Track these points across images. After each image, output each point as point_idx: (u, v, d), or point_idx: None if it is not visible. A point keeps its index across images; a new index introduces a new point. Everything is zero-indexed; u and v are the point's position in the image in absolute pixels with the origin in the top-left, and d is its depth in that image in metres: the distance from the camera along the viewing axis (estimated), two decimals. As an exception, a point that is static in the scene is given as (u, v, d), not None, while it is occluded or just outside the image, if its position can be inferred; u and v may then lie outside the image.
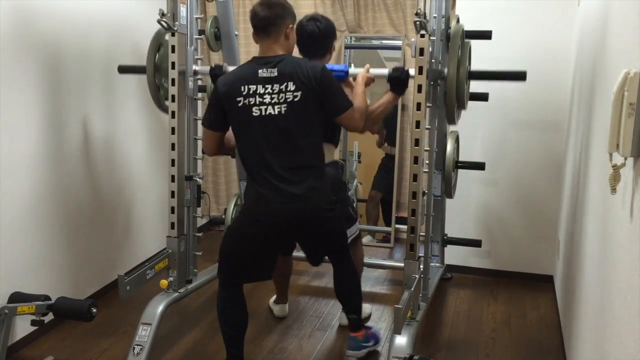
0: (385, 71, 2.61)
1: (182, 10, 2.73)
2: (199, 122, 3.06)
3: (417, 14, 2.31)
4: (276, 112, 2.26)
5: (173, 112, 2.75)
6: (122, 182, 3.49)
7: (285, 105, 2.25)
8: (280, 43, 2.32)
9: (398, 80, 2.55)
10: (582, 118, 2.61)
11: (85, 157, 3.15)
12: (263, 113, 2.26)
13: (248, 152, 2.33)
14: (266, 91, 2.26)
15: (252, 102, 2.26)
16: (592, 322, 1.84)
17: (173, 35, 2.68)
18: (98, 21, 3.18)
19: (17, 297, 2.61)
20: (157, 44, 2.89)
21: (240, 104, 2.27)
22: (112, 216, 3.42)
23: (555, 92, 3.45)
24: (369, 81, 2.57)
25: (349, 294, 2.65)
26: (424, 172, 2.55)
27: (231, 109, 2.30)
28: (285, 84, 2.25)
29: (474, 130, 3.55)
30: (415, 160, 2.47)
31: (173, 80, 2.72)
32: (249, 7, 4.25)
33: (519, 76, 2.69)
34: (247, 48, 4.25)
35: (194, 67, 2.85)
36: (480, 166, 3.17)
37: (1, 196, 2.59)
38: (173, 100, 2.73)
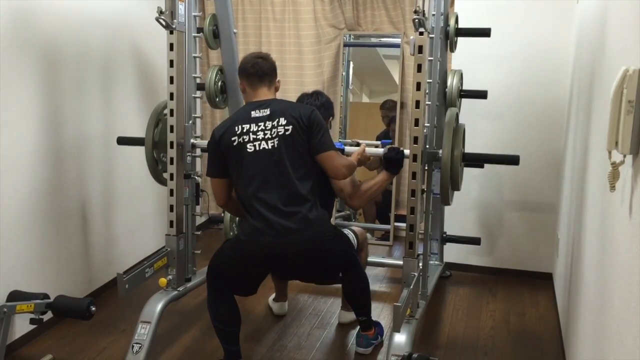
0: (380, 151, 2.67)
1: (181, 8, 2.72)
2: (198, 121, 3.07)
3: (415, 12, 2.31)
4: (269, 147, 2.35)
5: (172, 110, 2.75)
6: (120, 181, 3.49)
7: (277, 139, 2.35)
8: (272, 90, 2.50)
9: (393, 161, 2.61)
10: (581, 116, 2.61)
11: (83, 156, 3.15)
12: (257, 148, 2.36)
13: (243, 188, 2.39)
14: (259, 128, 2.37)
15: (246, 140, 2.37)
16: (591, 320, 1.84)
17: (171, 33, 2.68)
18: (96, 20, 3.17)
19: (15, 296, 2.61)
20: (156, 119, 2.91)
21: (235, 143, 2.38)
22: (110, 214, 3.42)
23: (554, 90, 3.45)
24: (364, 159, 2.65)
25: (359, 298, 2.70)
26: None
27: (227, 150, 2.39)
28: (277, 119, 2.37)
29: (472, 128, 3.54)
30: (414, 158, 2.47)
31: (172, 78, 2.72)
32: (247, 5, 4.28)
33: (512, 160, 2.68)
34: (245, 46, 4.25)
35: (192, 141, 2.91)
36: (479, 164, 3.17)
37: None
38: (172, 99, 2.73)
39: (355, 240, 2.84)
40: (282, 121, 2.36)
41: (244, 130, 2.37)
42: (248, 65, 2.46)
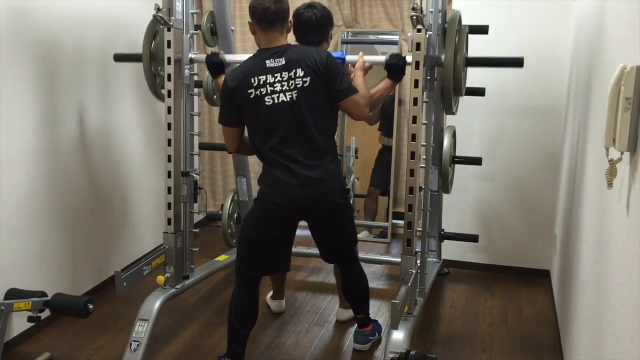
0: (382, 58, 2.60)
1: (178, 5, 2.71)
2: (196, 118, 3.06)
3: (413, 9, 2.30)
4: (288, 99, 2.30)
5: (169, 108, 2.74)
6: (118, 178, 3.48)
7: (295, 91, 2.30)
8: (284, 35, 2.39)
9: (395, 67, 2.54)
10: (578, 113, 2.61)
11: (81, 153, 3.14)
12: (276, 101, 2.30)
13: (262, 141, 2.35)
14: (276, 80, 2.30)
15: (263, 92, 2.31)
16: (589, 317, 1.84)
17: (169, 30, 2.67)
18: (93, 16, 3.17)
19: (13, 294, 2.61)
20: (153, 32, 2.87)
21: (252, 96, 2.31)
22: (108, 212, 3.42)
23: (552, 87, 3.45)
24: (367, 69, 2.58)
25: (358, 296, 2.71)
26: (421, 167, 2.55)
27: (243, 102, 2.33)
28: (294, 70, 2.30)
29: (470, 126, 3.55)
30: (412, 155, 2.47)
31: (169, 75, 2.71)
32: (245, 2, 4.26)
33: (516, 62, 2.67)
34: (243, 43, 4.24)
35: (190, 55, 2.83)
36: (477, 161, 3.17)
37: (-3, 192, 2.59)
38: (169, 96, 2.72)
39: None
40: (300, 72, 2.29)
41: (261, 83, 2.30)
42: (258, 10, 2.32)
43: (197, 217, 3.99)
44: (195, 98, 3.09)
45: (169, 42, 2.69)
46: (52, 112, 2.91)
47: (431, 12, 2.64)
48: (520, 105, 3.53)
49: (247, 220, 2.52)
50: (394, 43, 4.19)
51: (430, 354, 2.23)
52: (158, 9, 2.59)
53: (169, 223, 2.79)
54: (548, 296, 3.35)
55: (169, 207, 2.78)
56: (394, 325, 2.26)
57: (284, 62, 2.31)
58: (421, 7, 2.34)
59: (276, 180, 2.33)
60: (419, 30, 2.39)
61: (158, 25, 2.83)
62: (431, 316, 3.13)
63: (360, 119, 2.53)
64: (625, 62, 1.21)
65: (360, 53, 2.60)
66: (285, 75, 2.30)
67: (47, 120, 2.88)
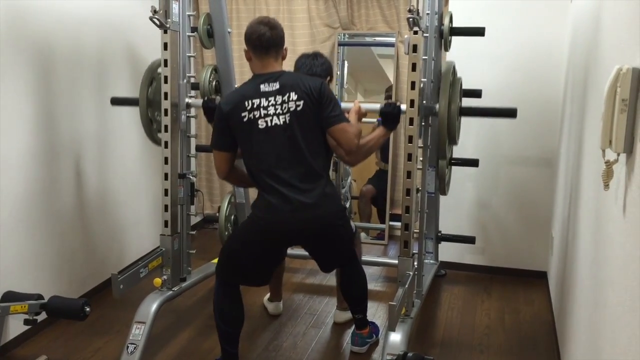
0: (377, 106, 2.63)
1: (175, 7, 2.71)
2: (193, 120, 3.06)
3: (410, 11, 2.31)
4: (281, 122, 2.30)
5: (166, 110, 2.74)
6: (114, 181, 3.48)
7: (289, 114, 2.30)
8: (279, 61, 2.40)
9: (390, 115, 2.55)
10: (575, 114, 2.62)
11: (77, 156, 3.14)
12: (269, 124, 2.30)
13: (256, 164, 2.35)
14: (270, 103, 2.31)
15: (257, 115, 2.31)
16: (586, 318, 1.84)
17: (165, 32, 2.67)
18: (90, 19, 3.16)
19: (9, 297, 2.60)
20: (150, 77, 2.89)
21: (245, 119, 2.31)
22: (105, 214, 3.41)
23: (548, 89, 3.46)
24: (361, 115, 2.60)
25: (357, 295, 2.71)
26: (418, 169, 2.56)
27: (237, 125, 2.34)
28: (288, 94, 2.31)
29: (467, 127, 3.54)
30: (409, 157, 2.47)
31: (166, 77, 2.71)
32: (242, 4, 4.27)
33: (510, 113, 2.68)
34: (239, 45, 4.21)
35: (187, 100, 2.86)
36: (474, 163, 3.18)
37: (-7, 195, 2.58)
38: (166, 99, 2.72)
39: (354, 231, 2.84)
40: (293, 96, 2.30)
41: (254, 106, 2.31)
42: (254, 36, 2.34)
43: (194, 220, 3.99)
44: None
45: (165, 44, 2.68)
46: (49, 115, 2.90)
47: (427, 14, 2.65)
48: (517, 106, 3.52)
49: (235, 236, 2.51)
50: (391, 45, 4.20)
51: (427, 355, 2.24)
52: (155, 12, 2.59)
53: (165, 225, 2.79)
54: (545, 297, 3.35)
55: (166, 210, 2.78)
56: (391, 327, 2.26)
57: (278, 87, 2.32)
58: (418, 9, 2.34)
59: (269, 205, 2.32)
60: (415, 32, 2.39)
61: (155, 71, 2.86)
62: (429, 318, 3.13)
63: (349, 150, 2.40)
64: (622, 64, 1.22)
65: (356, 100, 2.65)
66: (279, 99, 2.31)
67: (44, 122, 2.87)
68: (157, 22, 2.62)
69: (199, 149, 3.35)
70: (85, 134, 3.19)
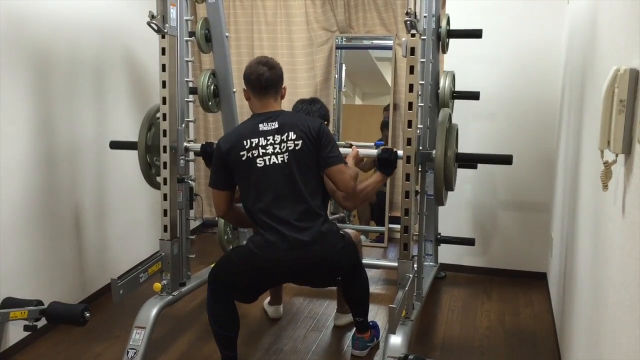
0: (374, 152, 2.67)
1: (172, 12, 2.72)
2: (192, 125, 3.06)
3: (407, 14, 2.31)
4: (279, 161, 2.33)
5: (164, 115, 2.74)
6: (114, 185, 3.47)
7: (287, 154, 2.33)
8: (278, 101, 2.44)
9: (386, 162, 2.58)
10: (573, 115, 2.62)
11: (76, 161, 3.13)
12: (267, 163, 2.33)
13: (254, 203, 2.37)
14: (268, 142, 2.34)
15: (255, 154, 2.34)
16: (586, 319, 1.84)
17: (163, 37, 2.67)
18: (88, 24, 3.16)
19: (9, 303, 2.59)
20: (149, 123, 2.90)
21: (244, 158, 2.34)
22: (104, 220, 3.41)
23: (546, 90, 3.46)
24: (359, 160, 2.67)
25: (359, 299, 2.71)
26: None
27: (235, 164, 2.36)
28: (287, 133, 2.34)
29: (466, 129, 3.54)
30: (408, 159, 2.48)
31: (164, 82, 2.71)
32: (239, 9, 4.27)
33: (506, 160, 2.69)
34: (237, 50, 4.25)
35: (185, 144, 2.86)
36: (472, 165, 3.18)
37: (-8, 201, 2.57)
38: (164, 103, 2.73)
39: None
40: (292, 135, 2.34)
41: (253, 145, 2.35)
42: (252, 77, 2.40)
43: (194, 224, 4.00)
44: (191, 105, 3.09)
45: (163, 49, 2.69)
46: (47, 120, 2.90)
47: (425, 16, 2.66)
48: (515, 108, 3.54)
49: (229, 262, 2.47)
50: (388, 48, 4.21)
51: (428, 358, 2.23)
52: (152, 17, 2.59)
53: (165, 230, 2.79)
54: (545, 299, 3.35)
55: (165, 214, 2.78)
56: (391, 330, 2.26)
57: (277, 126, 2.35)
58: (415, 12, 2.35)
59: (267, 242, 2.33)
60: (413, 35, 2.40)
61: (154, 117, 2.87)
62: (429, 320, 3.13)
63: (346, 192, 2.44)
64: (619, 65, 1.22)
65: (354, 146, 2.71)
66: (277, 138, 2.34)
67: (43, 128, 2.87)
68: (155, 27, 2.62)
69: (198, 153, 3.35)
70: (84, 140, 3.19)
